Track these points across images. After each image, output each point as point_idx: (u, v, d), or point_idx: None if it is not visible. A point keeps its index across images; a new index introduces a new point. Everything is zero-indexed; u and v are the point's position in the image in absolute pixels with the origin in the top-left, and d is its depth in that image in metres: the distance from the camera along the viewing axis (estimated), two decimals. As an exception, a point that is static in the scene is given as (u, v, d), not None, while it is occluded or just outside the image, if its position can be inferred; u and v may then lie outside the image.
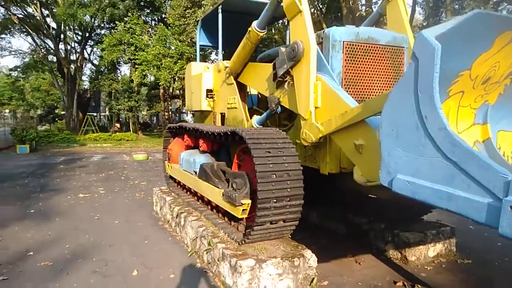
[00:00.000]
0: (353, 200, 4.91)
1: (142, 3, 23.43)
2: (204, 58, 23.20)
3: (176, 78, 20.88)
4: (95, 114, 35.81)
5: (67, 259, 4.12)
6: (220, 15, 5.28)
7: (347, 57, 3.39)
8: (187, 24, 19.13)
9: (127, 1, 21.26)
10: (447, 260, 4.05)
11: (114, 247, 4.47)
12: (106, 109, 37.87)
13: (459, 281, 3.53)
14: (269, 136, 3.41)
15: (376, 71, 3.53)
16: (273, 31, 19.38)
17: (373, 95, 3.50)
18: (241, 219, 3.79)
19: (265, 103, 5.02)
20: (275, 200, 3.18)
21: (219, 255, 3.51)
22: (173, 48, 20.01)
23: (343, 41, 3.36)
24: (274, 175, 3.17)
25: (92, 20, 23.11)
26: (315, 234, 4.76)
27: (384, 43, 3.53)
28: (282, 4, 3.59)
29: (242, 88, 4.79)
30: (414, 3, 21.31)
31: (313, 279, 3.36)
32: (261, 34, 4.07)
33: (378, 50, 3.51)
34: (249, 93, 5.12)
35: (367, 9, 18.26)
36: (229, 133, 3.72)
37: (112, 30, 22.32)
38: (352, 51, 3.39)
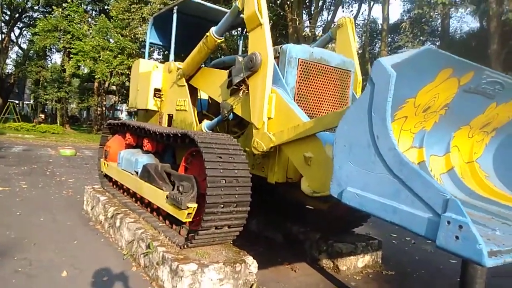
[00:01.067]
0: (292, 210, 5.10)
1: (84, -10, 22.16)
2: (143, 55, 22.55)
3: (114, 73, 19.93)
4: (17, 101, 32.77)
5: (-17, 258, 3.73)
6: (175, 16, 5.22)
7: (301, 73, 3.56)
8: (131, 19, 18.48)
9: (67, -14, 19.95)
10: (374, 271, 4.38)
11: (39, 246, 4.14)
12: (31, 97, 34.90)
13: (383, 290, 3.84)
14: (221, 142, 3.44)
15: (325, 90, 3.75)
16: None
17: (321, 112, 3.70)
18: (184, 223, 3.75)
19: (215, 108, 5.06)
20: (222, 205, 3.21)
21: (158, 259, 3.43)
22: (113, 41, 19.12)
23: (299, 58, 3.53)
24: (224, 180, 3.20)
25: (25, 1, 21.26)
26: (253, 241, 4.84)
27: (334, 65, 3.78)
28: (242, 15, 3.68)
29: (193, 91, 4.77)
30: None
31: (252, 285, 3.42)
32: (219, 41, 4.12)
33: (328, 71, 3.74)
34: (199, 97, 5.11)
35: (311, 30, 19.16)
36: (179, 135, 3.68)
37: (48, 15, 20.73)
38: (306, 68, 3.57)
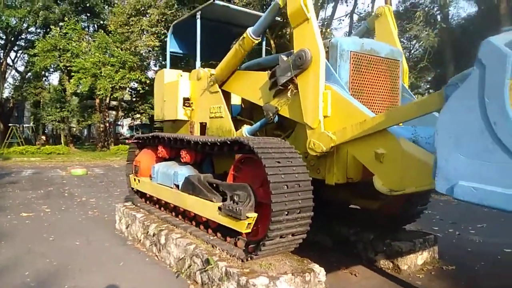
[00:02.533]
0: (337, 212, 4.91)
1: (80, 8, 22.01)
2: (145, 68, 22.42)
3: (118, 88, 19.77)
4: (18, 125, 32.59)
5: (32, 288, 3.54)
6: (199, 21, 5.05)
7: (353, 67, 3.40)
8: (130, 32, 18.35)
9: (63, 5, 19.81)
10: (434, 267, 4.19)
11: (85, 271, 3.94)
12: (30, 120, 34.70)
13: (453, 285, 3.66)
14: (276, 146, 3.27)
15: (377, 82, 3.59)
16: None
17: (374, 106, 3.53)
18: (240, 234, 3.58)
19: (248, 112, 4.91)
20: (287, 213, 3.03)
21: (221, 274, 3.24)
22: (114, 56, 18.97)
23: (351, 51, 3.37)
24: (286, 186, 3.03)
25: (21, 23, 21.14)
26: (302, 248, 4.64)
27: (384, 55, 3.62)
28: (284, 11, 3.52)
29: (226, 97, 4.61)
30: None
31: (322, 294, 3.24)
32: (256, 42, 3.96)
33: (378, 62, 3.58)
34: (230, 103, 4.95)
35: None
36: (229, 142, 3.51)
37: (46, 35, 20.59)
38: (358, 61, 3.42)
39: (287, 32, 18.65)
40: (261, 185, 3.36)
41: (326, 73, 3.28)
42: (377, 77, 3.58)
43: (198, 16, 5.04)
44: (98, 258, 4.37)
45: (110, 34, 19.37)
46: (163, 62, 30.44)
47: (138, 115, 27.67)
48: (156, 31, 18.12)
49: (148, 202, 5.53)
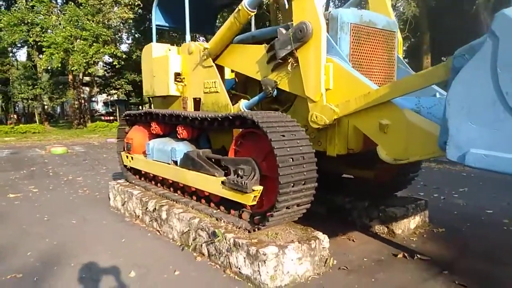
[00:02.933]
0: (331, 182, 5.05)
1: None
2: (118, 41, 21.61)
3: (92, 63, 19.07)
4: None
5: (37, 268, 3.54)
6: (188, -7, 4.89)
7: (353, 39, 3.43)
8: (103, 4, 17.53)
9: (28, -25, 18.64)
10: (425, 230, 4.43)
11: (88, 249, 3.96)
12: (-1, 98, 33.17)
13: (445, 248, 3.89)
14: (279, 120, 3.32)
15: (375, 54, 3.64)
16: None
17: (372, 77, 3.59)
18: (244, 206, 3.66)
19: (243, 86, 4.89)
20: (293, 184, 3.12)
21: (228, 246, 3.34)
22: (86, 29, 18.15)
23: (351, 23, 3.38)
24: (292, 159, 3.10)
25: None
26: (299, 218, 4.79)
27: (381, 27, 3.65)
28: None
29: (219, 71, 4.56)
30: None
31: (326, 259, 3.40)
32: (252, 14, 3.90)
33: (376, 34, 3.62)
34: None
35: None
36: (231, 117, 3.52)
37: (12, 8, 19.41)
38: (358, 33, 3.44)
39: (265, 2, 18.31)
40: (264, 158, 3.42)
41: (327, 46, 3.30)
42: (375, 48, 3.63)
43: (187, -13, 4.88)
44: (99, 235, 4.39)
45: (81, 7, 18.44)
46: (136, 35, 29.49)
47: (114, 91, 26.93)
48: (130, 2, 17.41)
49: (143, 178, 5.52)
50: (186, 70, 4.96)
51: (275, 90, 3.80)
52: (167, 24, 6.01)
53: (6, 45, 20.35)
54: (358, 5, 4.46)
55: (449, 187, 6.76)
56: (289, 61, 3.52)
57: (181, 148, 4.41)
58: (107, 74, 26.57)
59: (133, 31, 28.08)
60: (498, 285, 3.10)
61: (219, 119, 3.69)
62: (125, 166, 5.71)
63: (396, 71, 3.89)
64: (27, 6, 18.59)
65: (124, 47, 28.05)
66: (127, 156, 5.56)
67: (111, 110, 36.96)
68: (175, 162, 4.48)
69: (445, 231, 4.41)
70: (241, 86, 4.91)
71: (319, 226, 3.56)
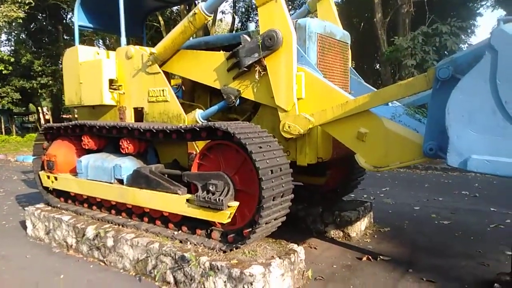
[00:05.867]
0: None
1: None
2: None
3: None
4: None
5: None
6: (123, -8, 4.42)
7: (319, 49, 3.45)
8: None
9: None
10: (373, 231, 4.68)
11: (19, 295, 3.25)
12: None
13: (398, 246, 4.15)
14: (252, 131, 3.16)
15: (334, 64, 3.73)
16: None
17: (333, 86, 3.67)
18: (211, 225, 3.40)
19: (190, 95, 4.60)
20: (273, 198, 2.99)
21: (203, 270, 3.04)
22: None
23: (317, 33, 3.40)
24: (271, 171, 2.97)
25: None
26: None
27: (339, 38, 3.76)
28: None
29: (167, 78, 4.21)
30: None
31: (303, 271, 3.33)
32: (209, 19, 3.68)
33: (335, 44, 3.71)
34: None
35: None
36: (198, 129, 3.24)
37: None
38: (323, 43, 3.48)
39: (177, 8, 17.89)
40: (236, 172, 3.22)
41: (296, 55, 3.26)
42: (335, 59, 3.72)
43: (121, -13, 4.41)
44: (29, 275, 3.63)
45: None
46: (21, 37, 26.02)
47: (-4, 100, 23.32)
48: (19, 0, 15.32)
49: (70, 201, 4.77)
50: (122, 76, 4.47)
51: (238, 99, 3.63)
52: (91, 25, 5.36)
53: None
54: (306, 15, 4.56)
55: (372, 188, 7.33)
56: (255, 69, 3.39)
57: (128, 164, 3.93)
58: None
59: (14, 33, 24.78)
60: (457, 277, 3.38)
61: (182, 130, 3.37)
62: (46, 188, 4.88)
63: (350, 81, 4.05)
64: None
65: (4, 49, 24.51)
66: (48, 176, 4.76)
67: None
68: (120, 181, 3.97)
69: (390, 230, 4.71)
70: (188, 94, 4.60)
71: (276, 236, 3.48)
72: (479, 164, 2.13)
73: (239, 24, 27.16)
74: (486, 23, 39.33)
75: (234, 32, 22.94)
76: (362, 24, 19.88)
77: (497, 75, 2.03)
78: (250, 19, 27.66)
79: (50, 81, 21.73)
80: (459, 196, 6.56)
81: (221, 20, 28.23)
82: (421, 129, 3.03)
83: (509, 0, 19.01)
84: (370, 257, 3.80)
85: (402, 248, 4.11)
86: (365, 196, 6.65)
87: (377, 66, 22.72)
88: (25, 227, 4.91)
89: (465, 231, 4.57)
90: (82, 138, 4.40)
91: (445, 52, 10.46)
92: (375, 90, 3.65)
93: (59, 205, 4.75)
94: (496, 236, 4.39)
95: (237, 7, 25.79)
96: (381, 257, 3.80)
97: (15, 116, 31.66)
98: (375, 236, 4.52)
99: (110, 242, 3.79)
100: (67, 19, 25.36)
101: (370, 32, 15.92)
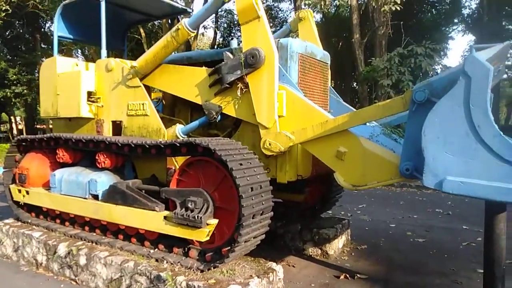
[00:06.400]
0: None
1: None
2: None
3: None
4: None
5: None
6: (103, 4, 4.39)
7: (301, 68, 3.51)
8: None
9: None
10: (350, 248, 4.71)
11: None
12: None
13: (375, 264, 4.19)
14: (233, 147, 3.15)
15: (314, 84, 3.79)
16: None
17: (313, 106, 3.72)
18: (188, 244, 3.34)
19: (171, 109, 4.57)
20: (253, 216, 2.97)
21: (180, 290, 2.97)
22: None
23: (299, 53, 3.46)
24: (251, 189, 2.96)
25: None
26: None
27: (319, 58, 3.84)
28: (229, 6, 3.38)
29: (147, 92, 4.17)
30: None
31: (282, 291, 3.30)
32: (192, 35, 3.69)
33: (316, 64, 3.79)
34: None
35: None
36: (178, 144, 3.21)
37: None
38: (304, 63, 3.54)
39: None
40: (215, 189, 3.19)
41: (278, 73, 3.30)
42: (315, 78, 3.79)
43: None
44: (-8, 295, 3.46)
45: None
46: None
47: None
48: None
49: (41, 217, 4.59)
50: (101, 89, 4.40)
51: (219, 115, 3.63)
52: (71, 36, 5.28)
53: None
54: (287, 35, 4.64)
55: (349, 204, 7.40)
56: (237, 86, 3.40)
57: (104, 179, 3.83)
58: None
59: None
60: (432, 295, 3.43)
61: (162, 145, 3.32)
62: (16, 202, 4.69)
63: (329, 101, 4.12)
64: None
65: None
66: (19, 190, 4.58)
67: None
68: (95, 196, 3.86)
69: (367, 247, 4.76)
70: (168, 109, 4.57)
71: (253, 254, 3.45)
72: (454, 185, 2.19)
73: (221, 39, 27.41)
74: (457, 47, 41.20)
75: (215, 47, 23.10)
76: (341, 43, 20.43)
77: (471, 100, 2.12)
78: (232, 34, 28.02)
79: (25, 90, 21.11)
80: (433, 214, 6.72)
81: (202, 34, 28.32)
82: (397, 149, 3.11)
83: (477, 27, 20.07)
84: (347, 275, 3.81)
85: (379, 266, 4.15)
86: (342, 213, 6.70)
87: (354, 85, 23.32)
88: (-10, 244, 4.68)
89: (439, 249, 4.66)
90: (57, 151, 4.27)
91: (420, 73, 10.85)
92: (353, 109, 3.75)
93: (30, 221, 4.56)
94: (468, 254, 4.50)
95: (219, 23, 25.99)
96: (358, 275, 3.81)
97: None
98: (353, 253, 4.55)
99: (82, 260, 3.66)
100: (46, 27, 24.93)
101: (348, 52, 16.37)
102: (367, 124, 3.83)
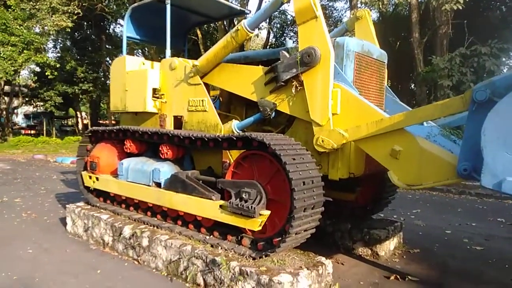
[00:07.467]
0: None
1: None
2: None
3: (20, 71, 17.36)
4: None
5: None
6: (168, 7, 4.71)
7: (357, 67, 3.54)
8: (37, 9, 16.18)
9: None
10: (402, 251, 4.63)
11: (61, 285, 3.46)
12: None
13: (427, 268, 4.09)
14: (287, 143, 3.27)
15: (370, 83, 3.80)
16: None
17: (368, 104, 3.73)
18: (241, 232, 3.51)
19: (227, 106, 4.78)
20: (304, 209, 3.07)
21: (233, 275, 3.15)
22: (15, 35, 16.53)
23: (355, 52, 3.50)
24: (303, 183, 3.06)
25: None
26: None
27: (376, 57, 3.84)
28: (286, 5, 3.50)
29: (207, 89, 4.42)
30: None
31: (330, 285, 3.37)
32: (251, 35, 3.86)
33: (372, 63, 3.80)
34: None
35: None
36: (235, 138, 3.40)
37: None
38: (360, 61, 3.57)
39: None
40: (269, 182, 3.33)
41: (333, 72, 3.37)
42: (371, 77, 3.80)
43: (168, 1, 4.69)
44: (68, 267, 3.87)
45: (10, 10, 16.82)
46: (67, 44, 27.41)
47: (41, 103, 24.75)
48: (69, 10, 16.34)
49: (109, 201, 5.04)
50: (165, 86, 4.72)
51: (273, 112, 3.76)
52: (138, 37, 5.71)
53: None
54: (344, 34, 4.67)
55: (403, 209, 7.20)
56: (293, 84, 3.52)
57: (166, 169, 4.13)
58: (34, 84, 24.33)
59: (60, 40, 26.21)
60: (488, 303, 3.31)
61: (220, 139, 3.53)
62: (87, 187, 5.18)
63: (385, 100, 4.10)
64: None
65: (51, 55, 26.02)
66: (90, 177, 5.05)
67: (33, 124, 33.72)
68: (158, 184, 4.17)
69: (420, 251, 4.64)
70: (224, 105, 4.79)
71: (303, 249, 3.53)
72: (514, 186, 2.14)
73: (273, 40, 27.62)
74: (530, 46, 37.82)
75: (268, 47, 23.33)
76: (398, 43, 19.72)
77: (535, 99, 2.06)
78: (285, 34, 28.14)
79: (91, 88, 22.81)
80: (494, 223, 6.35)
81: (257, 35, 28.69)
82: (455, 150, 3.04)
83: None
84: (398, 276, 3.78)
85: (432, 270, 4.05)
86: (395, 216, 6.54)
87: (412, 86, 22.35)
88: (64, 224, 5.21)
89: (500, 259, 4.44)
90: (125, 142, 4.66)
91: (484, 74, 10.22)
92: (410, 109, 3.70)
93: (98, 205, 5.02)
94: (532, 265, 4.24)
95: (272, 23, 26.20)
96: (409, 277, 3.76)
97: (55, 119, 33.27)
98: (404, 256, 4.47)
99: (145, 242, 3.98)
100: (110, 29, 26.73)
101: (406, 52, 15.77)
102: (425, 124, 3.78)
